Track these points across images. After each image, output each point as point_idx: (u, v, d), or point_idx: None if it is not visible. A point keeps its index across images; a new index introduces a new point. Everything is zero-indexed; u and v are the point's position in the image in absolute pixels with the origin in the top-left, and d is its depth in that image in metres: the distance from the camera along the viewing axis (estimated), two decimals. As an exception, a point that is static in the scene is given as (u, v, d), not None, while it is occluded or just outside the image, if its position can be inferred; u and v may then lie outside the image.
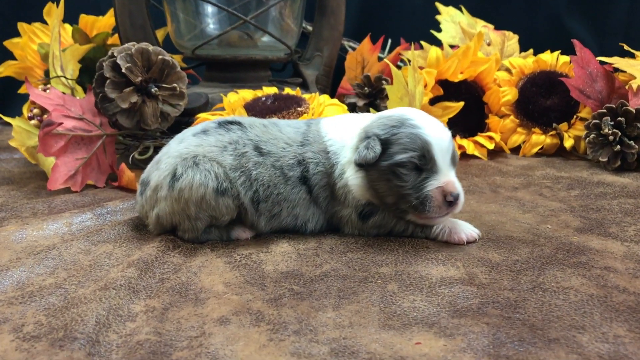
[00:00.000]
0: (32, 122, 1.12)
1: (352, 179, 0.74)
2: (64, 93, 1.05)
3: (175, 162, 0.73)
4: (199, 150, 0.74)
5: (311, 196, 0.76)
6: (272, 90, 1.19)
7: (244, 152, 0.75)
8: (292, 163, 0.75)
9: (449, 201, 0.70)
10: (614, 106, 1.11)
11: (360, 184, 0.73)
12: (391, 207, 0.73)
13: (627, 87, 1.17)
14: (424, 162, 0.70)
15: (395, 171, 0.70)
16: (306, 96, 1.14)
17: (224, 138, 0.75)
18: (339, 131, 0.76)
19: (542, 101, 1.27)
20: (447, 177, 0.70)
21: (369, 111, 1.30)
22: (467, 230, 0.75)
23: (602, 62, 1.21)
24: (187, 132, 0.79)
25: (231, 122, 0.78)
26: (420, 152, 0.69)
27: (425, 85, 1.19)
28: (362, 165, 0.71)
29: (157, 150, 1.05)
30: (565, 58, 1.29)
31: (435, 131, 0.71)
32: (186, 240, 0.75)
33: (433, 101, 1.22)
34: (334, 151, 0.75)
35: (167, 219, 0.74)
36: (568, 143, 1.23)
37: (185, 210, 0.73)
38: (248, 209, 0.75)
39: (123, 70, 0.98)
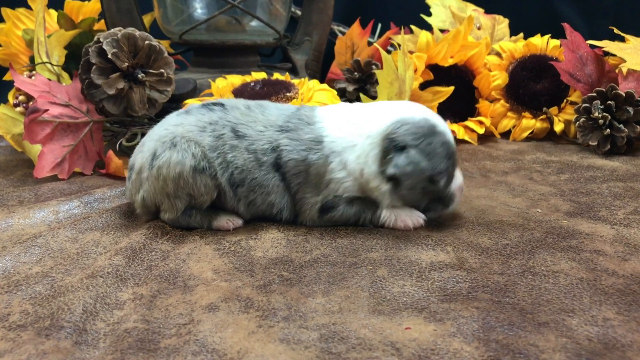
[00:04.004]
0: (18, 109, 1.10)
1: (376, 186, 0.72)
2: (49, 79, 1.03)
3: (156, 145, 0.74)
4: (178, 131, 0.74)
5: (284, 183, 0.74)
6: (260, 75, 1.18)
7: (222, 133, 0.74)
8: (267, 148, 0.74)
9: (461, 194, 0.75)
10: (604, 90, 1.11)
11: (389, 192, 0.72)
12: (415, 206, 0.75)
13: (617, 70, 1.17)
14: (452, 166, 0.72)
15: (434, 179, 0.70)
16: (295, 81, 1.13)
17: (204, 118, 0.75)
18: (342, 126, 0.73)
19: (533, 85, 1.27)
20: (458, 172, 0.74)
21: (358, 96, 1.29)
22: (413, 216, 0.74)
23: (592, 46, 1.20)
24: (172, 114, 0.79)
25: (215, 103, 0.78)
26: (451, 159, 0.71)
27: (415, 70, 1.18)
28: (398, 178, 0.70)
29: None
30: (556, 42, 1.28)
31: (451, 135, 0.73)
32: (166, 221, 0.75)
33: (423, 86, 1.21)
34: (331, 148, 0.72)
35: (151, 200, 0.75)
36: (558, 127, 1.23)
37: (165, 189, 0.73)
38: (227, 192, 0.74)
39: (109, 56, 0.96)
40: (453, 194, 0.74)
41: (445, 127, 0.73)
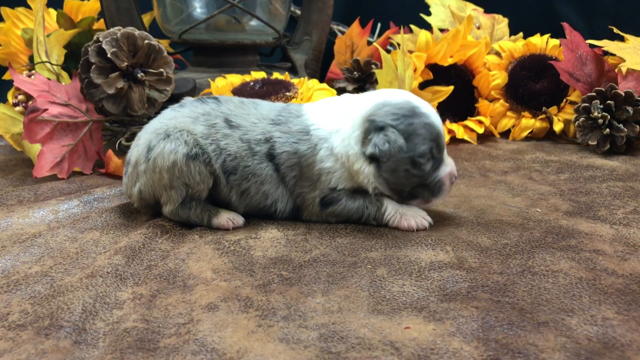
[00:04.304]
0: (17, 108, 1.10)
1: (360, 169, 0.72)
2: (49, 79, 1.03)
3: (150, 137, 0.75)
4: (171, 123, 0.75)
5: (278, 174, 0.75)
6: (260, 75, 1.18)
7: (214, 123, 0.75)
8: (260, 139, 0.75)
9: (452, 182, 0.73)
10: (603, 89, 1.11)
11: (373, 174, 0.72)
12: (401, 194, 0.73)
13: (616, 70, 1.17)
14: (438, 151, 0.71)
15: (416, 161, 0.70)
16: (295, 81, 1.13)
17: (197, 110, 0.77)
18: (327, 115, 0.75)
19: (532, 85, 1.27)
20: (449, 160, 0.73)
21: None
22: (417, 217, 0.74)
23: (591, 46, 1.20)
24: (167, 109, 0.80)
25: (209, 97, 0.79)
26: (435, 141, 0.71)
27: (415, 69, 1.18)
28: (377, 158, 0.70)
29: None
30: (555, 41, 1.28)
31: (438, 118, 0.72)
32: (167, 214, 0.76)
33: (423, 85, 1.21)
34: (318, 135, 0.73)
35: (148, 192, 0.75)
36: (557, 127, 1.23)
37: (161, 180, 0.73)
38: (220, 179, 0.75)
39: (109, 55, 0.96)
40: (441, 181, 0.72)
41: (429, 110, 0.72)
